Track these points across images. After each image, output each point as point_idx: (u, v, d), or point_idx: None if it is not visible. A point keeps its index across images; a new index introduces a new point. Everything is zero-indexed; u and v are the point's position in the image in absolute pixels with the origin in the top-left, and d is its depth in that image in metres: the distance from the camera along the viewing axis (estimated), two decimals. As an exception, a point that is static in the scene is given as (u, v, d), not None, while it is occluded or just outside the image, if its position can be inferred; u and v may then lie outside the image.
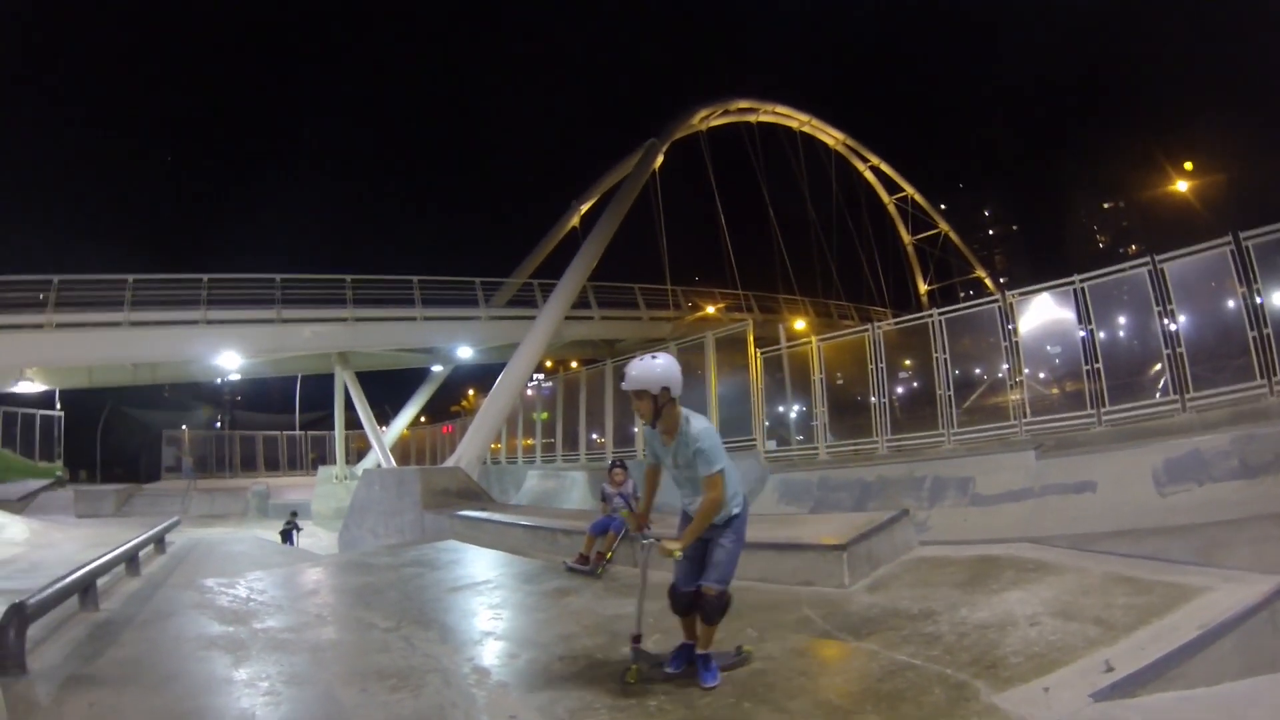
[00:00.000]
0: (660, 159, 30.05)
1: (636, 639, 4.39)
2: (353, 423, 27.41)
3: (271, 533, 21.03)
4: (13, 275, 20.48)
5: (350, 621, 6.77)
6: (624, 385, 4.27)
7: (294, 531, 20.03)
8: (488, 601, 7.26)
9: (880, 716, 3.62)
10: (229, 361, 22.72)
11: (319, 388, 43.43)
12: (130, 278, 20.61)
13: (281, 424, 42.79)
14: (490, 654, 5.40)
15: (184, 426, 41.16)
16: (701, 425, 4.21)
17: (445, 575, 8.89)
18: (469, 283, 25.84)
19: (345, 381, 24.53)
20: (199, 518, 26.85)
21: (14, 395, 30.55)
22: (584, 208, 31.57)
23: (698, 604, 4.21)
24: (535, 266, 30.35)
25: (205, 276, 21.27)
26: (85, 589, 7.17)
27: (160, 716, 4.46)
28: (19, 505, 25.98)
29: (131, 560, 10.17)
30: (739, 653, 4.51)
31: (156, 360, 22.68)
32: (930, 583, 5.93)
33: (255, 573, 9.86)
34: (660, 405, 4.19)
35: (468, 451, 19.21)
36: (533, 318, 23.81)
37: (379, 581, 8.62)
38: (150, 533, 12.18)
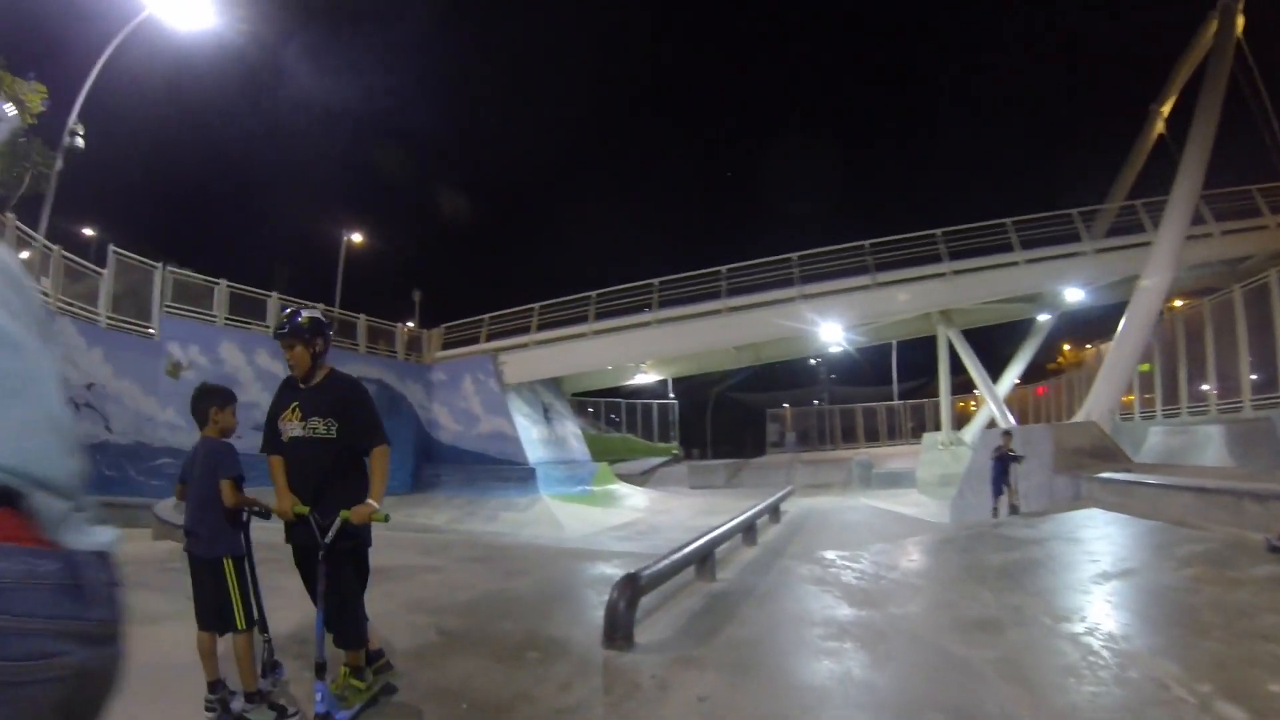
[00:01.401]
0: (1240, 20, 21.88)
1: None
2: (956, 387, 25.80)
3: (879, 501, 20.51)
4: (621, 285, 23.64)
5: (1023, 620, 4.98)
6: None
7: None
8: (1182, 598, 5.21)
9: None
10: (829, 334, 22.79)
11: (913, 357, 42.70)
12: (724, 269, 22.14)
13: (878, 396, 42.59)
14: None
15: (785, 405, 43.60)
16: None
17: (1102, 553, 7.00)
18: (1064, 216, 22.03)
19: (951, 339, 22.89)
20: (804, 487, 27.68)
21: (636, 388, 36.19)
22: (1164, 109, 24.88)
23: None
24: (1127, 189, 25.06)
25: (795, 255, 21.71)
26: (703, 558, 6.86)
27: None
28: (641, 479, 30.22)
29: (749, 529, 9.96)
30: None
31: (756, 340, 23.71)
32: None
33: (878, 545, 8.98)
34: None
35: (1098, 405, 16.11)
36: (1147, 244, 19.61)
37: (1023, 559, 7.01)
38: (767, 501, 12.02)
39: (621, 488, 25.83)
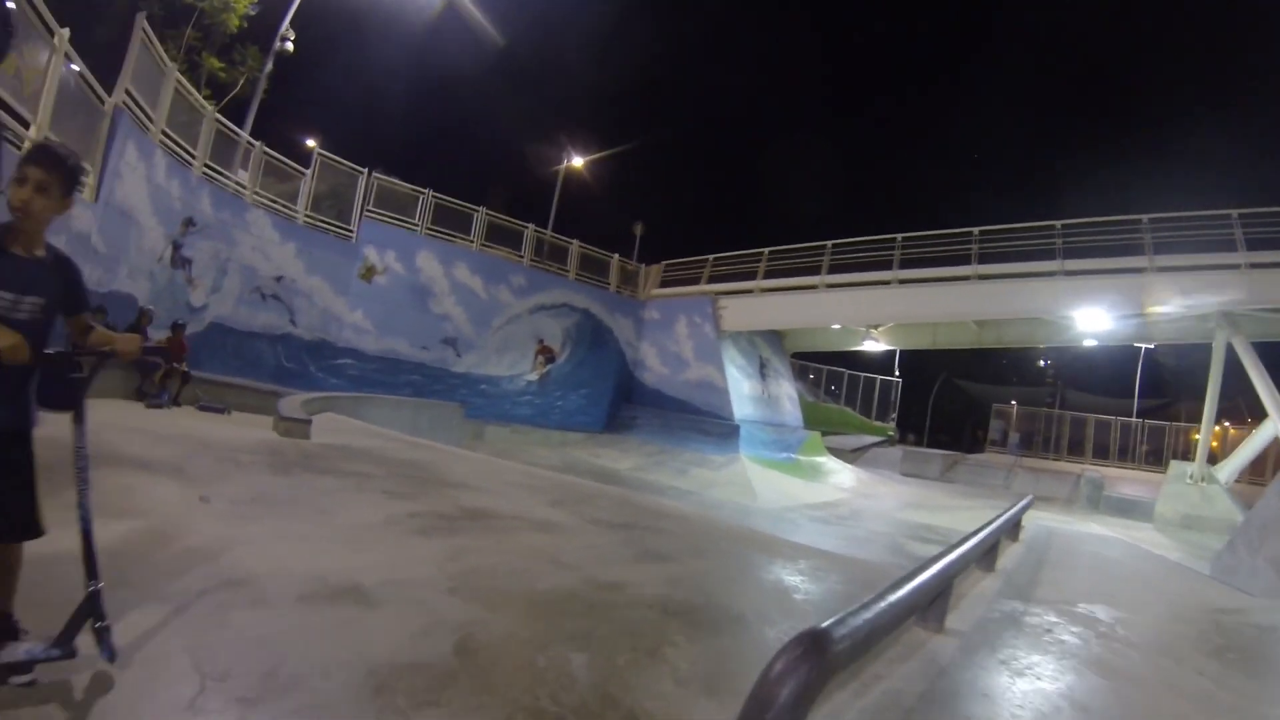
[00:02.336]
0: None
1: None
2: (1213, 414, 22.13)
3: (1109, 528, 18.30)
4: (863, 237, 21.83)
5: None
6: None
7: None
8: None
9: None
10: (1089, 321, 20.14)
11: (1161, 371, 38.45)
12: (976, 230, 20.09)
13: (1114, 409, 38.75)
14: None
15: (1013, 402, 40.66)
16: None
17: None
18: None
19: (1236, 349, 19.04)
20: (1020, 498, 25.66)
21: (861, 358, 34.60)
22: None
23: None
24: None
25: (1059, 223, 18.88)
26: (930, 601, 4.35)
27: None
28: (852, 456, 28.66)
29: (990, 550, 7.43)
30: None
31: (1003, 316, 21.24)
32: None
33: (1161, 606, 7.04)
34: None
35: None
36: None
37: None
38: (1011, 512, 9.23)
39: (829, 461, 24.49)
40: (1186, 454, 34.32)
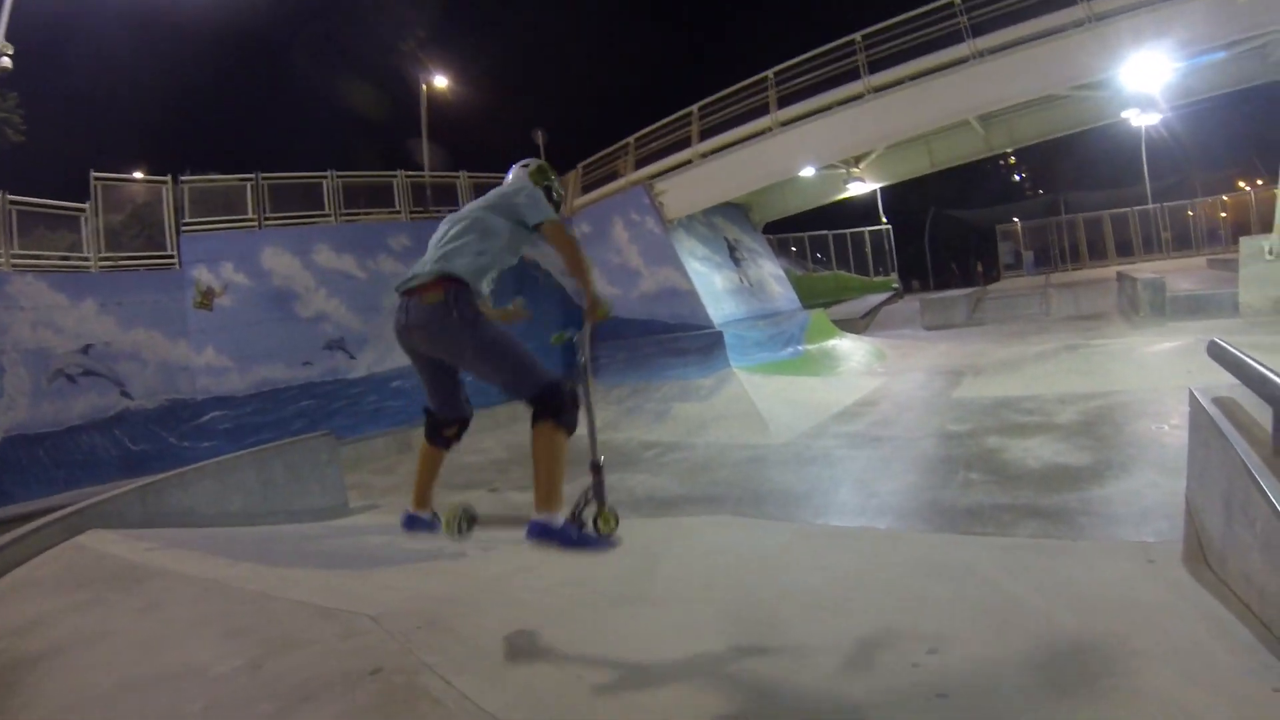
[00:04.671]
0: None
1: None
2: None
3: (1191, 336, 14.26)
4: (813, 51, 16.86)
5: None
6: None
7: None
8: None
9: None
10: (1143, 76, 15.15)
11: (1162, 147, 36.45)
12: (959, -3, 15.18)
13: (1119, 202, 35.53)
14: None
15: (1015, 219, 37.26)
16: None
17: None
18: None
19: None
20: (1069, 320, 21.75)
21: (841, 214, 30.68)
22: None
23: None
24: None
25: None
26: None
27: None
28: (863, 323, 25.06)
29: None
30: None
31: (1017, 100, 16.15)
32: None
33: None
34: None
35: None
36: None
37: None
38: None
39: (843, 342, 19.99)
40: (1213, 231, 31.55)
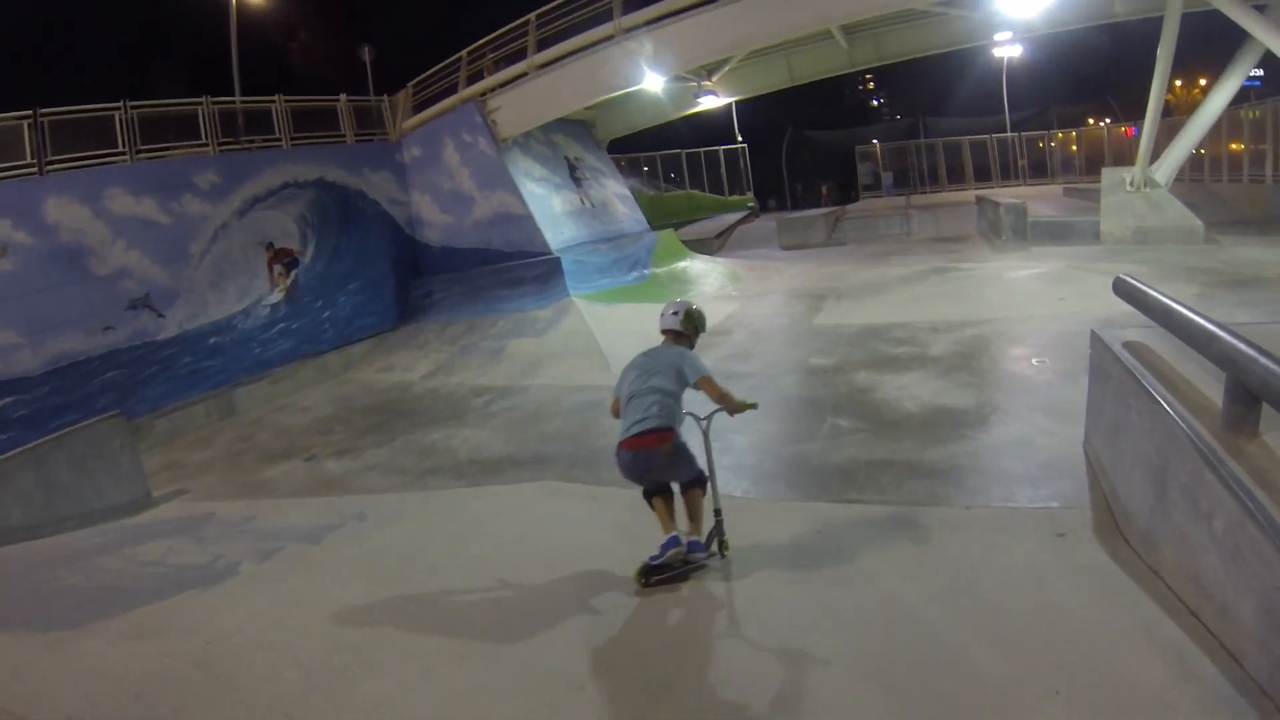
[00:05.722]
0: None
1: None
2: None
3: (1062, 261, 14.01)
4: None
5: None
6: None
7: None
8: None
9: None
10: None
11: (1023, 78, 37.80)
12: None
13: (978, 129, 36.36)
14: None
15: (874, 140, 36.98)
16: None
17: None
18: None
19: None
20: (929, 241, 21.41)
21: (696, 135, 29.37)
22: None
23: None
24: None
25: None
26: None
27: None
28: (716, 243, 24.10)
29: None
30: None
31: (880, 8, 15.06)
32: None
33: None
34: None
35: None
36: None
37: None
38: None
39: (695, 264, 18.84)
40: (1068, 162, 32.66)
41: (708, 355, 11.20)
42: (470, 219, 16.93)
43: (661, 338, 5.01)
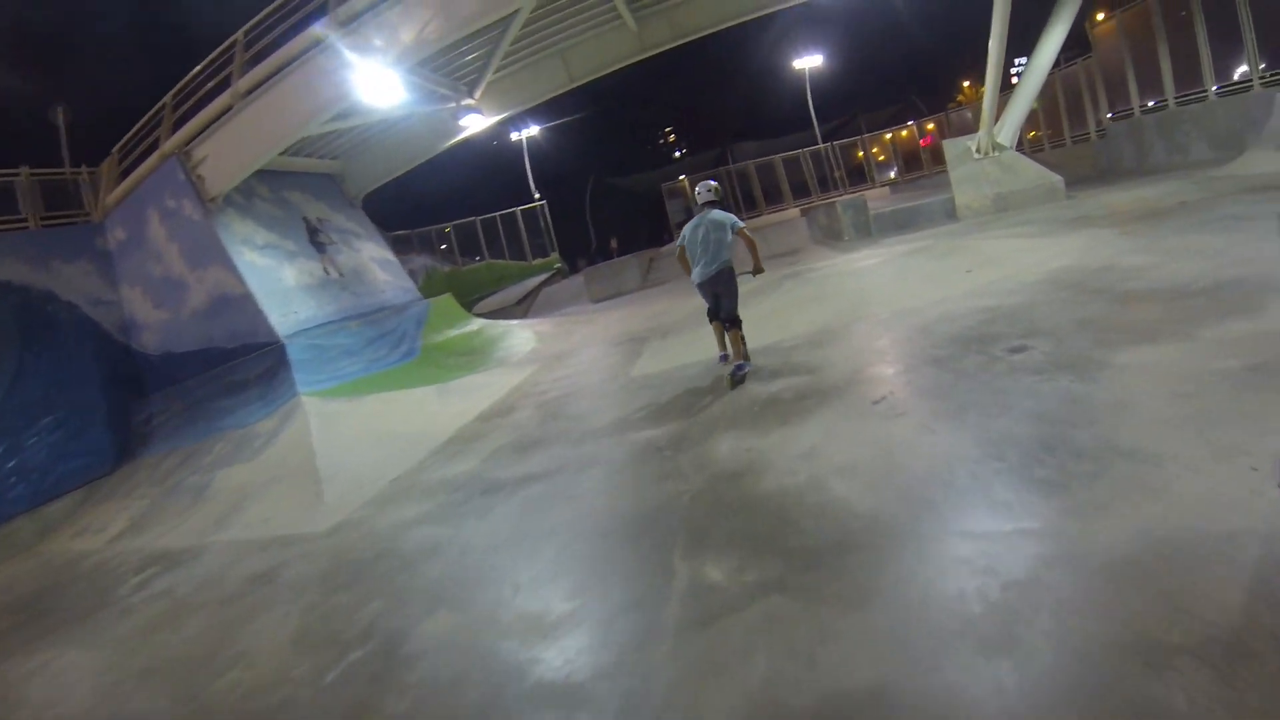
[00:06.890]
0: None
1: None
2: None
3: (949, 255, 11.49)
4: None
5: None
6: None
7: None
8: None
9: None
10: None
11: (833, 90, 38.89)
12: None
13: (789, 145, 35.66)
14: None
15: (682, 176, 35.47)
16: None
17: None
18: None
19: None
20: (775, 258, 19.06)
21: (495, 185, 26.71)
22: None
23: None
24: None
25: None
26: None
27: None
28: (519, 310, 21.61)
29: None
30: None
31: None
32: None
33: None
34: None
35: None
36: None
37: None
38: None
39: (482, 331, 15.51)
40: (883, 165, 32.74)
41: (472, 455, 7.38)
42: (186, 310, 12.67)
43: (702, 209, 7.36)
